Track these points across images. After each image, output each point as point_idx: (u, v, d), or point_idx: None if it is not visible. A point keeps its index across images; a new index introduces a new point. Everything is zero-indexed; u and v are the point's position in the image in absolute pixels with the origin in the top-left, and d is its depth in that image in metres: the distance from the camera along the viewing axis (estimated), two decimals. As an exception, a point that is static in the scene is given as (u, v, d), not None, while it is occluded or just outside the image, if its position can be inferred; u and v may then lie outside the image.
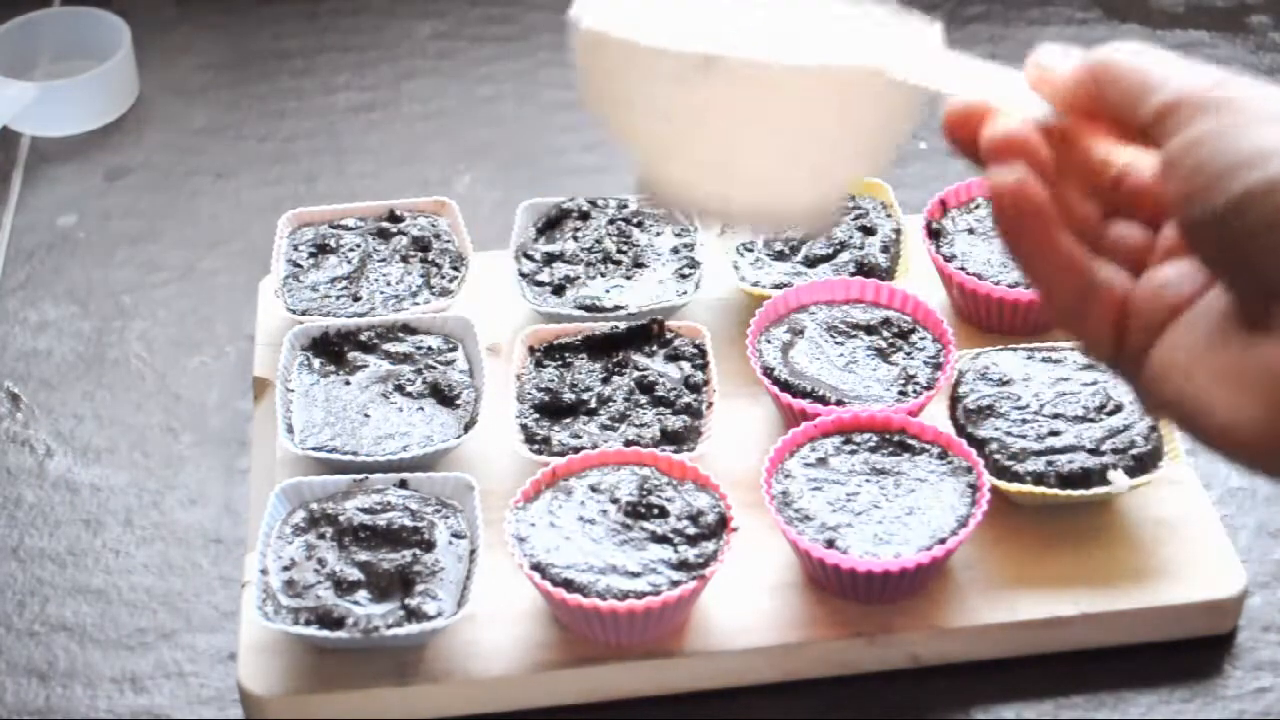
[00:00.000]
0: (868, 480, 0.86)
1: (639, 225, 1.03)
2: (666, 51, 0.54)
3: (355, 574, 0.82)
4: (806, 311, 0.96)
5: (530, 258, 1.01)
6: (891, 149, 0.58)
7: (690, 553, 0.82)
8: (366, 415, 0.92)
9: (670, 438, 0.90)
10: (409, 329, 0.97)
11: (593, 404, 0.92)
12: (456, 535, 0.85)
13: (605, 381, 0.93)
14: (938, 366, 0.93)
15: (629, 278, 1.00)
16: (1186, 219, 0.50)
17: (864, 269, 1.00)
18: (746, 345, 0.94)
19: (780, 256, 1.01)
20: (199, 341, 1.05)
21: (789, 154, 0.56)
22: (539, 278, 1.00)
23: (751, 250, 1.02)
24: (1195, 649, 0.86)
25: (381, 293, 1.00)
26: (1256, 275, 0.49)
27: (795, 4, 0.56)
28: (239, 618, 0.85)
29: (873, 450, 0.87)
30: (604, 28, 0.55)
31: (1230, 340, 0.50)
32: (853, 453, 0.87)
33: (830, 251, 1.01)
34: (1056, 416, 0.89)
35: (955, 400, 0.92)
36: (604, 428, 0.91)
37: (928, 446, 0.87)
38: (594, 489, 0.85)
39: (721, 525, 0.83)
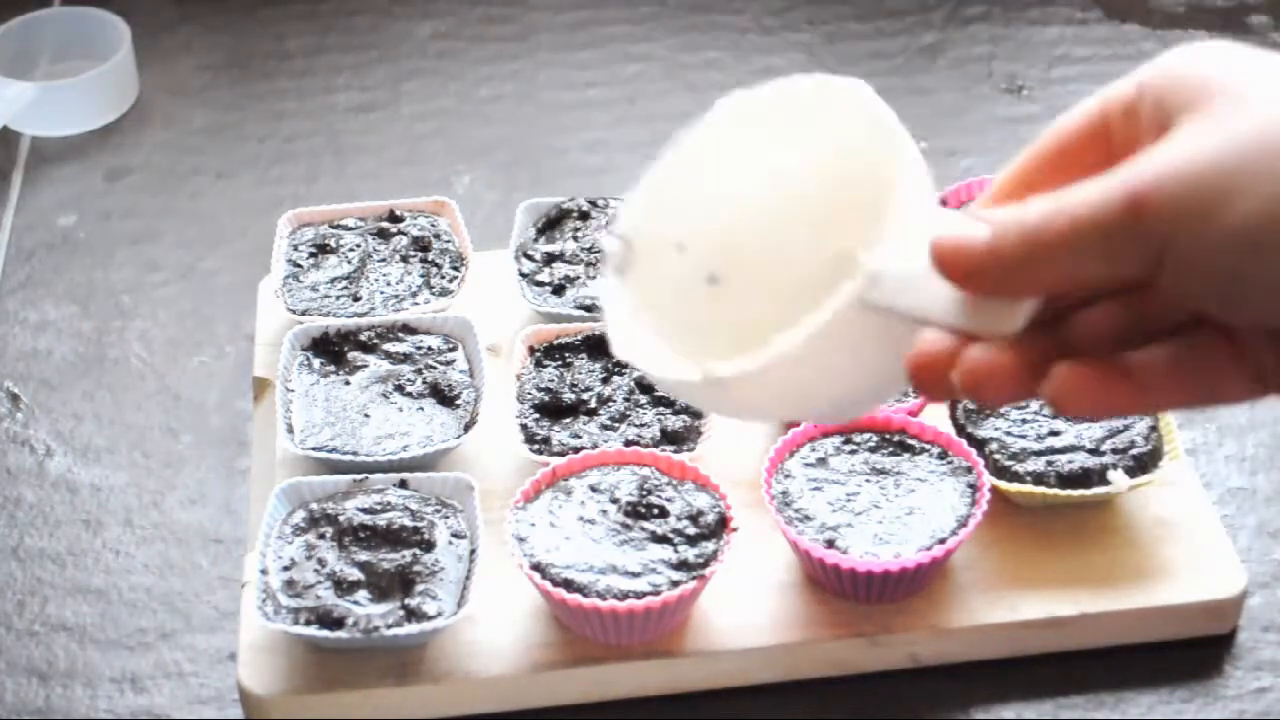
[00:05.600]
0: (868, 480, 0.86)
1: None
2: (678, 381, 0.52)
3: (355, 574, 0.82)
4: (806, 311, 0.96)
5: (530, 258, 1.01)
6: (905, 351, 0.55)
7: (690, 553, 0.82)
8: (366, 415, 0.92)
9: (670, 438, 0.90)
10: (409, 329, 0.97)
11: (593, 404, 0.92)
12: (456, 535, 0.85)
13: (605, 381, 0.93)
14: (938, 366, 0.93)
15: (629, 278, 1.00)
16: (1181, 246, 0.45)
17: (864, 269, 0.99)
18: (746, 345, 0.93)
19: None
20: (199, 341, 1.05)
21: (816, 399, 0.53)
22: (539, 278, 1.00)
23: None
24: (1195, 649, 0.86)
25: (381, 293, 1.00)
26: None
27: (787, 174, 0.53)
28: (239, 618, 0.85)
29: (873, 450, 0.87)
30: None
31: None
32: (853, 453, 0.87)
33: (830, 251, 1.01)
34: (1056, 416, 0.89)
35: (955, 400, 0.92)
36: (604, 428, 0.90)
37: (928, 446, 0.87)
38: (594, 489, 0.85)
39: (721, 525, 0.83)
